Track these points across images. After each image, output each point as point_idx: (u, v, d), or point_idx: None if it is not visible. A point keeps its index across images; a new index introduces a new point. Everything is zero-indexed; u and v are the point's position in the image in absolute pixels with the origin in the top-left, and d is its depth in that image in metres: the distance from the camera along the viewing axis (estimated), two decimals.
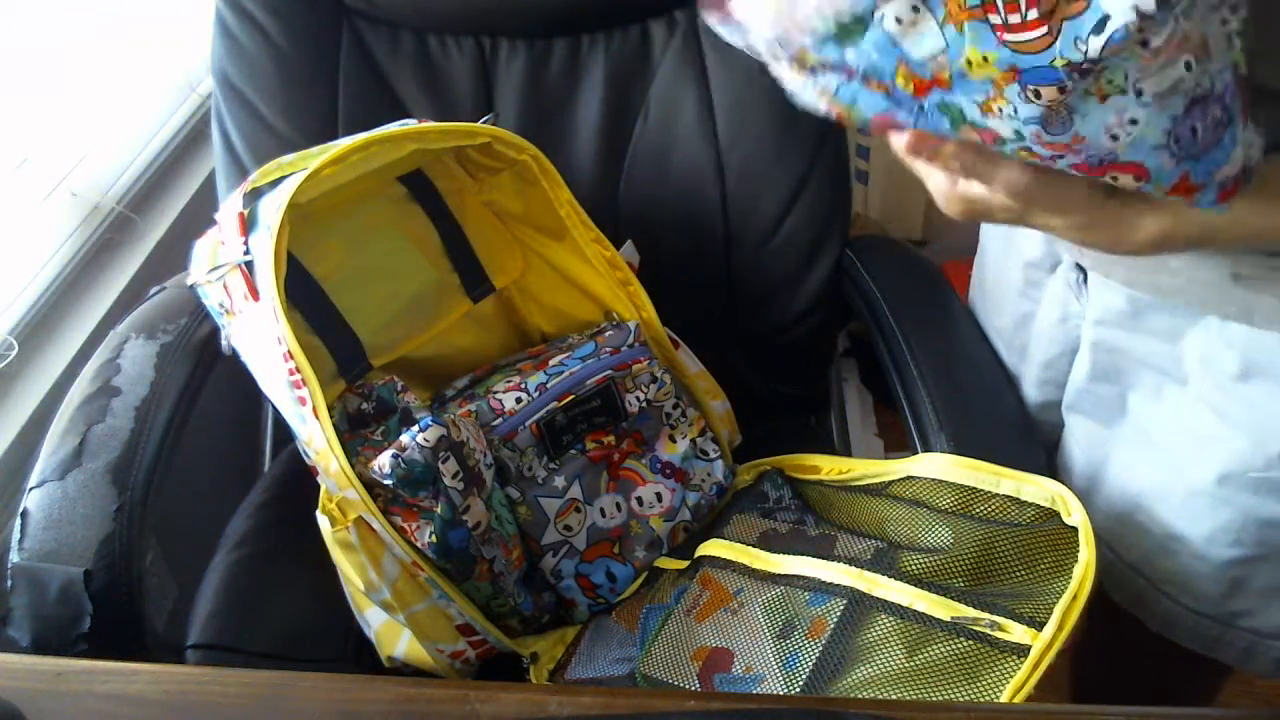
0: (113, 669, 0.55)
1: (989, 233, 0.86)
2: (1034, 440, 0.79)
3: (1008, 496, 0.69)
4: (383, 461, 0.66)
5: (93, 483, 0.72)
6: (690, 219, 0.96)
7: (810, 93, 0.48)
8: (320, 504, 0.69)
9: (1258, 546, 0.65)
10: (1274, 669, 0.70)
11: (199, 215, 1.15)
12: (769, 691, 0.61)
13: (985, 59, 0.41)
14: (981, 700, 0.55)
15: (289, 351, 0.66)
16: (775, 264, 0.93)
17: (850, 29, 0.43)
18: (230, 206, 0.71)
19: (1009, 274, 0.80)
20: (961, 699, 0.56)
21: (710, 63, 0.93)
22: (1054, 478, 0.72)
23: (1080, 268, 0.70)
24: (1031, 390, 0.81)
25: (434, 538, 0.67)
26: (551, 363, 0.80)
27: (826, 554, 0.69)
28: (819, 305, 0.96)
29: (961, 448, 0.73)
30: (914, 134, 0.47)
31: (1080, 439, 0.76)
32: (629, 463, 0.81)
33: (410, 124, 0.77)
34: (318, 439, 0.67)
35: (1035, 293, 0.77)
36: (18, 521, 0.71)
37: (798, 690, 0.60)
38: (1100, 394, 0.72)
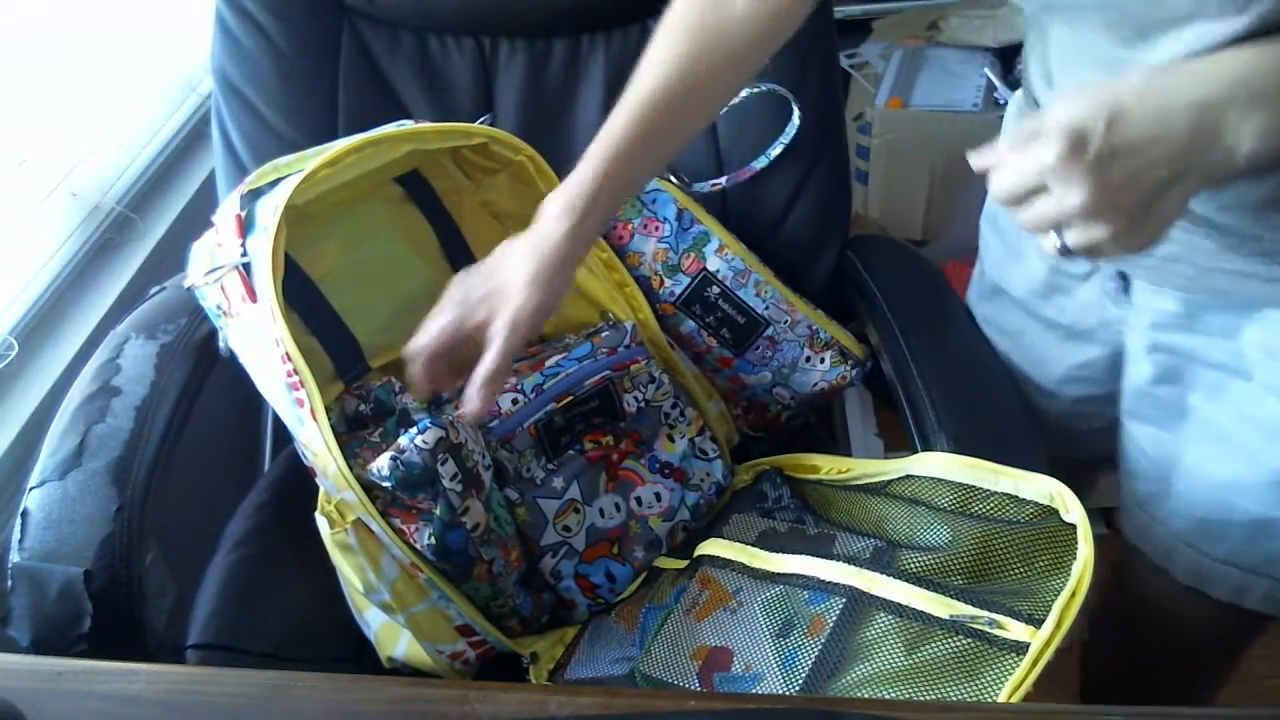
0: (113, 669, 0.55)
1: (991, 238, 0.86)
2: (1034, 439, 0.79)
3: (1006, 494, 0.69)
4: (381, 464, 0.66)
5: (93, 483, 0.72)
6: None
7: None
8: (319, 505, 0.69)
9: None
10: None
11: (199, 215, 1.14)
12: (768, 690, 0.61)
13: None
14: (981, 698, 0.55)
15: (287, 353, 0.66)
16: (775, 264, 0.93)
17: None
18: (227, 208, 0.71)
19: (1021, 279, 0.81)
20: (960, 697, 0.56)
21: None
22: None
23: (1123, 276, 0.72)
24: (1061, 388, 0.83)
25: (432, 539, 0.67)
26: (548, 364, 0.80)
27: (825, 553, 0.69)
28: (819, 305, 0.96)
29: (962, 447, 0.73)
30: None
31: (1144, 445, 0.76)
32: (627, 463, 0.81)
33: (407, 125, 0.77)
34: (316, 441, 0.67)
35: (1062, 299, 0.79)
36: (18, 521, 0.71)
37: (797, 689, 0.60)
38: (1161, 397, 0.73)
